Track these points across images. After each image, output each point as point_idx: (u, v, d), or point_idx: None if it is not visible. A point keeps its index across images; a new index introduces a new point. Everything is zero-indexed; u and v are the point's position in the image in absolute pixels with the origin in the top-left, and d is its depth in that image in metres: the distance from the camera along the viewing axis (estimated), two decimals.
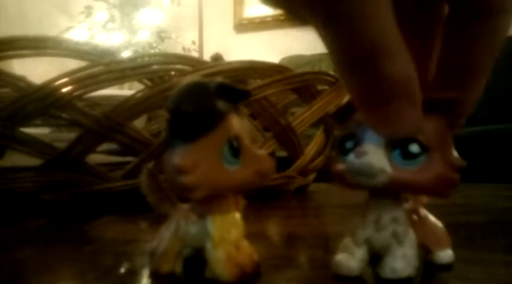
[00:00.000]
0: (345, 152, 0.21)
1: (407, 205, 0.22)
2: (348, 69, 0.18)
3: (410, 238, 0.21)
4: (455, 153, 0.20)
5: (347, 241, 0.22)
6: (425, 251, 0.22)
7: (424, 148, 0.20)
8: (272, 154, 0.51)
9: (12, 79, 0.40)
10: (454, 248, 0.23)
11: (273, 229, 0.38)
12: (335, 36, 0.17)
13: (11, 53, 0.44)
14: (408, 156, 0.20)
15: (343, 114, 0.22)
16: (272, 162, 0.21)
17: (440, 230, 0.23)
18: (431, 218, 0.23)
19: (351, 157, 0.20)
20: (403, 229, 0.21)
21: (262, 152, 0.21)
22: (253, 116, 0.51)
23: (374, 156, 0.19)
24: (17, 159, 0.44)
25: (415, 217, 0.22)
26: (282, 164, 0.51)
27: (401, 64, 0.17)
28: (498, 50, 0.21)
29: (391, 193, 0.21)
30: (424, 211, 0.23)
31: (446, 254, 0.22)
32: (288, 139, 0.51)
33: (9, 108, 0.39)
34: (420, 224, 0.22)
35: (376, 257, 0.21)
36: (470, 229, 0.32)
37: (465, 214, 0.38)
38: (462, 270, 0.22)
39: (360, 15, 0.16)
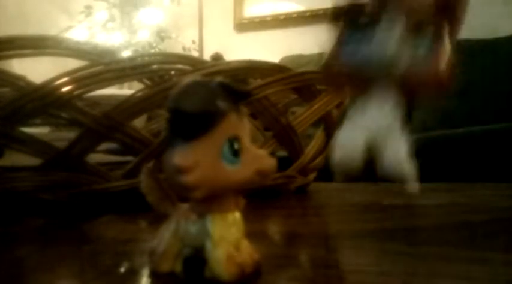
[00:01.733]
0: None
1: None
2: None
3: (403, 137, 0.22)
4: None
5: (348, 125, 0.23)
6: None
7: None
8: (272, 153, 0.51)
9: (11, 78, 0.40)
10: (456, 247, 0.23)
11: (274, 228, 0.38)
12: None
13: (10, 52, 0.44)
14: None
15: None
16: (272, 162, 0.21)
17: None
18: None
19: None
20: (398, 124, 0.22)
21: (263, 151, 0.21)
22: (253, 116, 0.51)
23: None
24: (17, 159, 0.43)
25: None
26: (283, 163, 0.51)
27: None
28: None
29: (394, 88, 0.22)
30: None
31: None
32: (288, 139, 0.51)
33: (8, 108, 0.39)
34: None
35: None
36: (472, 228, 0.32)
37: (467, 213, 0.38)
38: (464, 269, 0.22)
39: None
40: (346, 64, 0.21)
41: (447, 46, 0.21)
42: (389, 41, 0.20)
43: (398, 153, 0.21)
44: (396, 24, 0.20)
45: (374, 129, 0.21)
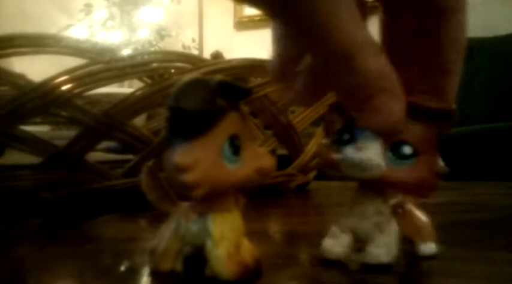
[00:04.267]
0: (341, 143, 0.22)
1: (395, 199, 0.23)
2: (327, 70, 0.19)
3: (393, 229, 0.22)
4: (439, 160, 0.22)
5: (334, 228, 0.23)
6: (409, 244, 0.24)
7: (415, 152, 0.21)
8: (273, 152, 0.51)
9: (11, 77, 0.40)
10: (457, 246, 0.23)
11: (274, 227, 0.38)
12: (307, 41, 0.18)
13: (10, 50, 0.44)
14: (401, 156, 0.21)
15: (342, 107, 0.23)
16: (273, 160, 0.21)
17: (425, 224, 0.24)
18: (417, 213, 0.24)
19: (350, 151, 0.21)
20: (386, 220, 0.22)
21: (263, 150, 0.21)
22: (253, 114, 0.51)
23: (372, 151, 0.21)
24: (17, 157, 0.43)
25: (400, 210, 0.23)
26: (283, 162, 0.51)
27: (375, 59, 0.18)
28: (464, 47, 0.21)
29: (377, 187, 0.23)
30: (409, 206, 0.24)
31: (427, 247, 0.24)
32: (288, 137, 0.51)
33: (8, 106, 0.39)
34: (405, 218, 0.23)
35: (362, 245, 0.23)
36: (473, 227, 0.32)
37: (467, 212, 0.38)
38: (464, 268, 0.22)
39: (324, 20, 0.17)
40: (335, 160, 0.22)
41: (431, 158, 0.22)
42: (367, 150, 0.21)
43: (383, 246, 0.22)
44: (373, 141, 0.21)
45: (358, 229, 0.23)
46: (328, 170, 0.23)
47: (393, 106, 0.19)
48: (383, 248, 0.22)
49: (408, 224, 0.23)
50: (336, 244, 0.23)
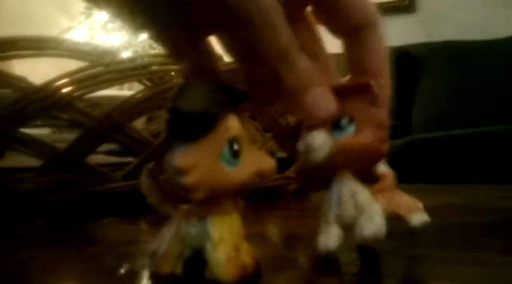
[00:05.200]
0: None
1: (375, 185, 0.24)
2: (266, 72, 0.20)
3: (374, 206, 0.23)
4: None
5: (322, 224, 0.24)
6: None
7: (350, 121, 0.24)
8: (272, 154, 0.51)
9: (12, 79, 0.40)
10: (452, 248, 0.23)
11: (273, 229, 0.38)
12: (248, 49, 0.20)
13: (12, 53, 0.44)
14: (340, 128, 0.24)
15: (296, 133, 0.24)
16: (273, 163, 0.21)
17: (413, 201, 0.26)
18: (404, 194, 0.26)
19: (298, 146, 0.23)
20: (364, 198, 0.23)
21: (263, 152, 0.22)
22: (253, 117, 0.51)
23: (314, 136, 0.23)
24: (18, 160, 0.44)
25: (380, 196, 0.24)
26: (282, 165, 0.51)
27: (302, 58, 0.20)
28: (386, 54, 0.24)
29: (345, 167, 0.24)
30: (395, 191, 0.26)
31: (418, 216, 0.25)
32: (287, 140, 0.51)
33: (9, 109, 0.40)
34: (392, 200, 0.25)
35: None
36: (469, 229, 0.32)
37: (464, 214, 0.38)
38: (460, 271, 0.22)
39: (266, 25, 0.19)
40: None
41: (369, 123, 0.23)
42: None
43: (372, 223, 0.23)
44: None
45: (341, 214, 0.24)
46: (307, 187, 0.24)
47: (327, 98, 0.21)
48: (366, 220, 0.22)
49: (396, 203, 0.25)
50: (328, 238, 0.23)
